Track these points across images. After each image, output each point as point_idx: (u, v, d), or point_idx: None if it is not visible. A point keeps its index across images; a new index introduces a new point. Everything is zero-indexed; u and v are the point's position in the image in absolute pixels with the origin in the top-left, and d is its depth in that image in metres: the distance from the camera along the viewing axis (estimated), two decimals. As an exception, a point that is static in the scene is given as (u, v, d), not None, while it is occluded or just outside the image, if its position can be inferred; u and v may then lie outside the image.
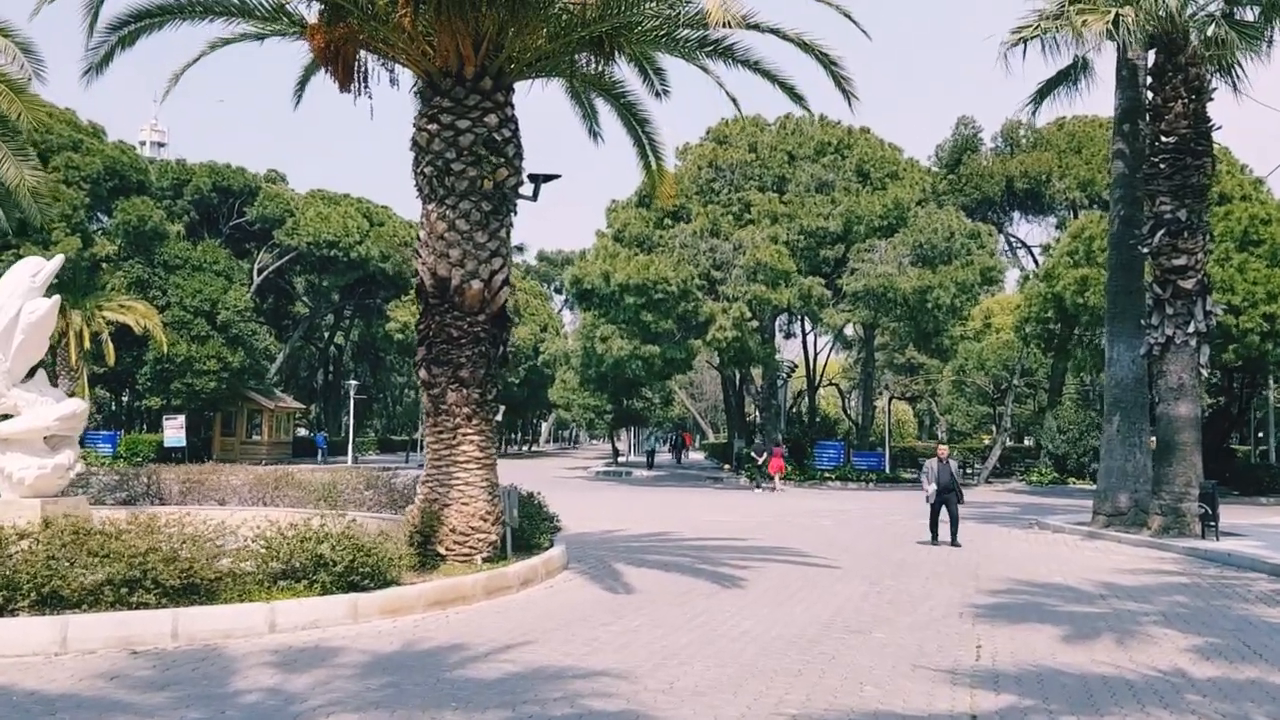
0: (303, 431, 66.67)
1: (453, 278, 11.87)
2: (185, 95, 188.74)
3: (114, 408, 51.47)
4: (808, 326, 50.41)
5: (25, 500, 12.82)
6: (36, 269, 13.58)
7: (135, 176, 42.88)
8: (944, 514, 18.01)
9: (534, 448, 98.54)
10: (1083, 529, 20.66)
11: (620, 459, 61.30)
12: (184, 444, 42.02)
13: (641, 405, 58.42)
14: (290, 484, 19.00)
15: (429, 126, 12.08)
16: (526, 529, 13.47)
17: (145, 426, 47.25)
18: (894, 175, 39.22)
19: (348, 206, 51.25)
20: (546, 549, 13.52)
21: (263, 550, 9.79)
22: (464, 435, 11.98)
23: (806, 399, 50.39)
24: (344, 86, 12.05)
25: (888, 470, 39.68)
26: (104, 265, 43.05)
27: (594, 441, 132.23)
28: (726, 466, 48.61)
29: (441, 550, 11.85)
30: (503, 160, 12.12)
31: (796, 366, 46.95)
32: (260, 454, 45.65)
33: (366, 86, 12.18)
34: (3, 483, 13.17)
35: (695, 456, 70.37)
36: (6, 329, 13.08)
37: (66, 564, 8.61)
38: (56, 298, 13.42)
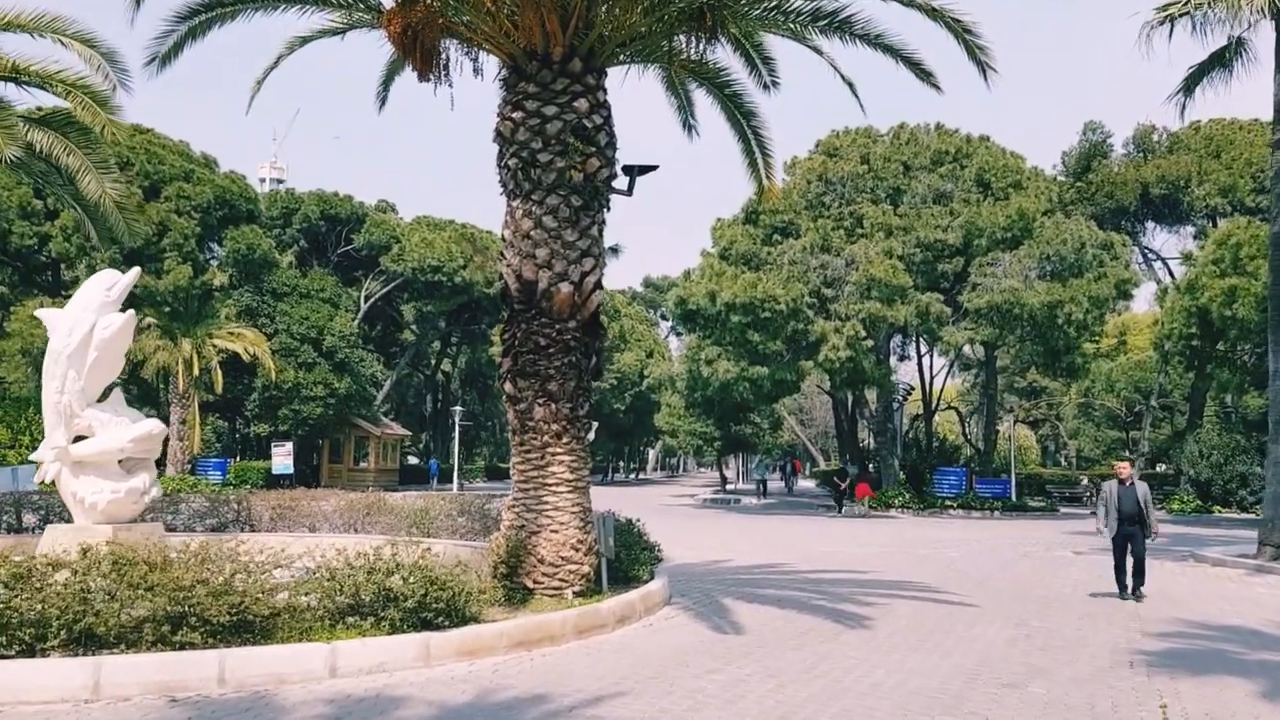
0: (413, 459, 66.92)
1: (540, 280, 10.73)
2: (303, 133, 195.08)
3: (226, 436, 52.13)
4: (923, 348, 48.24)
5: (97, 526, 12.13)
6: (111, 283, 12.94)
7: (245, 206, 43.40)
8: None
9: (640, 475, 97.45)
10: (1248, 562, 18.38)
11: (728, 486, 59.66)
12: (292, 471, 42.06)
13: (749, 431, 56.71)
14: (382, 510, 18.15)
15: (513, 115, 11.01)
16: (624, 560, 12.19)
17: (254, 454, 47.59)
18: (1017, 185, 36.97)
19: (451, 232, 51.17)
20: (646, 582, 12.20)
21: (325, 583, 8.72)
22: (553, 455, 10.78)
23: (923, 424, 48.04)
24: (423, 75, 11.07)
25: (1014, 498, 37.27)
26: (215, 294, 43.63)
27: (701, 469, 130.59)
28: (840, 494, 46.56)
29: (528, 583, 10.64)
30: (593, 149, 10.96)
31: (913, 389, 44.76)
32: (367, 480, 45.50)
33: (447, 75, 11.18)
34: (76, 508, 12.54)
35: (805, 484, 68.20)
36: (80, 346, 12.43)
37: (105, 598, 7.65)
38: (130, 312, 12.72)
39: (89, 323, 12.51)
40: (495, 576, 10.48)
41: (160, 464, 47.13)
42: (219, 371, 40.89)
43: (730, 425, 52.84)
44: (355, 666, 8.18)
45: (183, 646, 7.69)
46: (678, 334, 74.56)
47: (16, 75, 14.30)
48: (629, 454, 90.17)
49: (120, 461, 12.77)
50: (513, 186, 11.04)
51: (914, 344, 47.85)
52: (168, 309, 40.05)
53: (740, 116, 13.93)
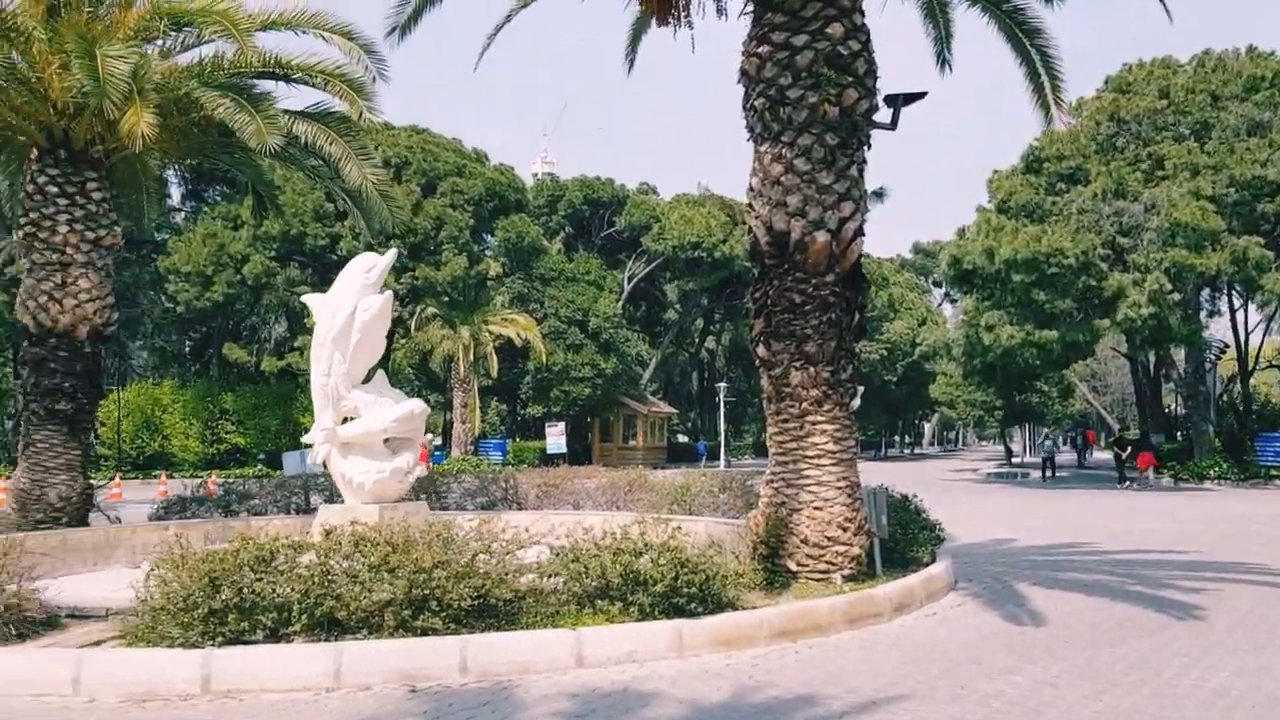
0: (682, 438, 67.37)
1: (792, 230, 9.66)
2: (570, 129, 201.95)
3: (507, 418, 54.32)
4: (1236, 302, 42.90)
5: (364, 506, 12.25)
6: (370, 265, 13.02)
7: (513, 196, 44.78)
8: None
9: (916, 450, 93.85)
10: None
11: (1014, 459, 55.91)
12: (565, 450, 43.10)
13: (1036, 400, 52.78)
14: (643, 487, 17.70)
15: (759, 50, 9.97)
16: (900, 540, 10.93)
17: (531, 434, 49.25)
18: (1351, 107, 31.88)
19: (711, 207, 50.69)
20: (926, 564, 10.89)
21: (570, 565, 8.11)
22: (813, 424, 9.71)
23: (1239, 385, 42.71)
24: (662, 19, 10.33)
25: (1357, 466, 32.31)
26: (489, 282, 45.36)
27: (983, 442, 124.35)
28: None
29: (791, 565, 9.64)
30: (850, 79, 9.74)
31: (1227, 347, 39.86)
32: (635, 458, 45.93)
33: (687, 16, 10.34)
34: (344, 488, 12.73)
35: (1101, 455, 62.94)
36: (343, 329, 12.56)
37: (347, 581, 7.35)
38: (388, 294, 12.75)
39: (350, 305, 12.60)
40: (754, 558, 9.57)
41: (445, 446, 49.83)
42: (494, 356, 42.49)
43: (1014, 394, 49.33)
44: (602, 656, 7.51)
45: (424, 632, 7.27)
46: (951, 300, 70.85)
47: (278, 69, 14.78)
48: (903, 428, 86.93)
49: (386, 442, 12.89)
50: (760, 129, 10.01)
51: (1225, 297, 42.66)
52: (446, 299, 41.98)
53: (1022, 35, 12.21)
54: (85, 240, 14.57)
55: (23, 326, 14.86)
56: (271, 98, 14.09)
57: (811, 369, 9.66)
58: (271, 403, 44.02)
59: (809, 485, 9.69)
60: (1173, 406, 50.12)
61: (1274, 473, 32.02)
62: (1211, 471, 32.71)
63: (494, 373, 42.82)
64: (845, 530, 9.63)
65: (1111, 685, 6.92)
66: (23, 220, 14.58)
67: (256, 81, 14.95)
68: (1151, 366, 44.36)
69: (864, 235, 9.97)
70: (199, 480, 27.89)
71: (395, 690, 6.87)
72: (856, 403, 9.95)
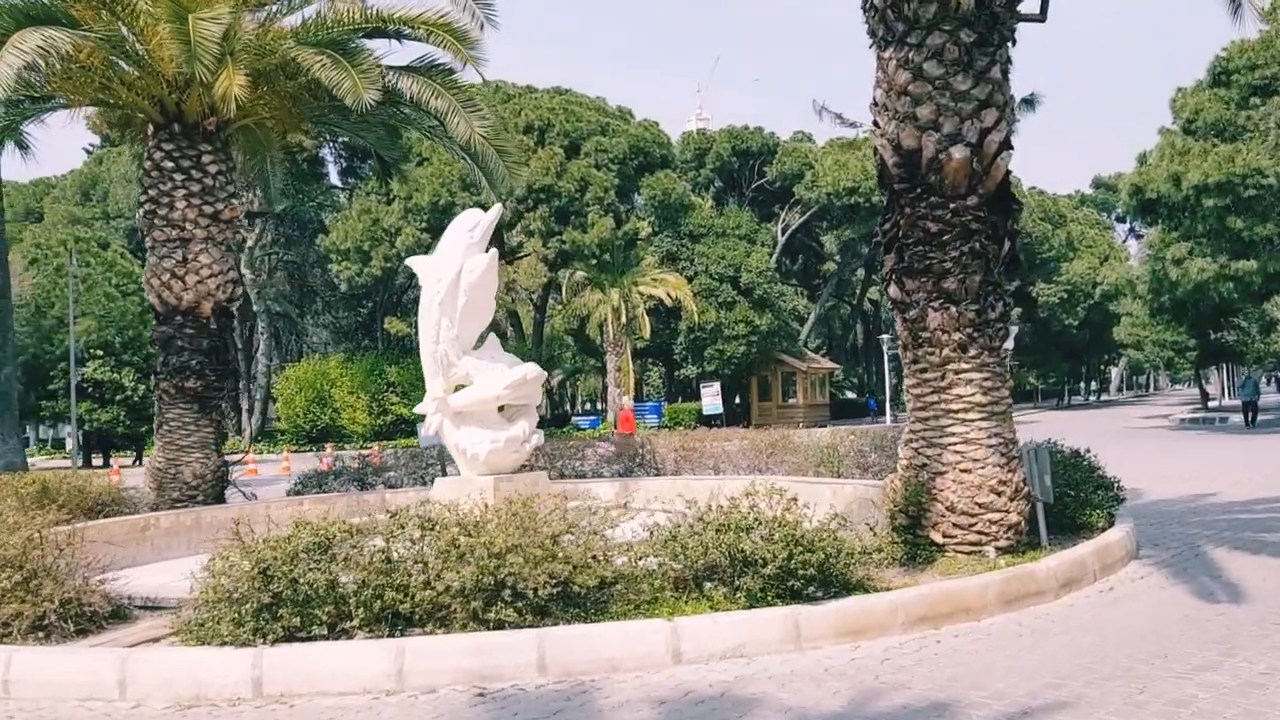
0: (850, 394, 65.27)
1: (924, 147, 8.25)
2: (723, 84, 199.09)
3: (665, 380, 53.74)
4: None
5: (480, 478, 11.62)
6: (473, 223, 12.27)
7: (659, 152, 43.79)
8: None
9: (1103, 397, 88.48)
10: None
11: (1210, 404, 51.55)
12: (721, 410, 42.17)
13: (1233, 338, 48.25)
14: (786, 448, 16.51)
15: (875, -64, 8.56)
16: (1070, 503, 9.42)
17: (686, 396, 48.44)
18: None
19: (867, 149, 48.25)
20: (1101, 530, 9.35)
21: (668, 544, 7.09)
22: (957, 373, 8.33)
23: None
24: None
25: None
26: (638, 242, 44.59)
27: (1176, 386, 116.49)
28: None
29: (936, 537, 8.34)
30: (985, -38, 8.23)
31: None
32: (796, 417, 44.55)
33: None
34: (459, 459, 12.13)
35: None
36: (449, 292, 11.87)
37: (419, 568, 6.55)
38: (493, 252, 11.97)
39: (455, 267, 11.92)
40: (892, 529, 8.31)
41: (601, 410, 49.65)
42: (645, 318, 41.79)
43: (1208, 332, 45.23)
44: (704, 650, 6.48)
45: (497, 626, 6.41)
46: (1136, 236, 65.96)
47: (380, 24, 14.16)
48: (1087, 374, 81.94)
49: (501, 410, 12.20)
50: (882, 32, 8.60)
51: None
52: (594, 261, 41.46)
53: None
54: (204, 215, 14.34)
55: (150, 305, 14.87)
56: (368, 51, 13.47)
57: (952, 309, 8.27)
58: (432, 373, 44.75)
59: (954, 444, 8.33)
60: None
61: None
62: None
63: (646, 334, 42.13)
64: (999, 495, 8.24)
65: (1343, 689, 5.42)
66: (143, 198, 14.50)
67: (359, 39, 14.39)
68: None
69: (1011, 149, 8.46)
70: (337, 452, 28.22)
71: (461, 694, 6.04)
72: (1009, 346, 8.50)
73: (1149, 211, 31.86)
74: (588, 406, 65.20)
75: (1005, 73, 8.45)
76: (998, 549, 8.23)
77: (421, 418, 12.53)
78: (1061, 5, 9.39)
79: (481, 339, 12.60)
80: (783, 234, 52.27)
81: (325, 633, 6.43)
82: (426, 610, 6.46)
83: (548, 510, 7.15)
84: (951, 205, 8.27)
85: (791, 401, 48.74)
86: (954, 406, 8.33)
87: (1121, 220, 72.94)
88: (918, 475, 8.50)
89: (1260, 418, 33.62)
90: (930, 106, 8.21)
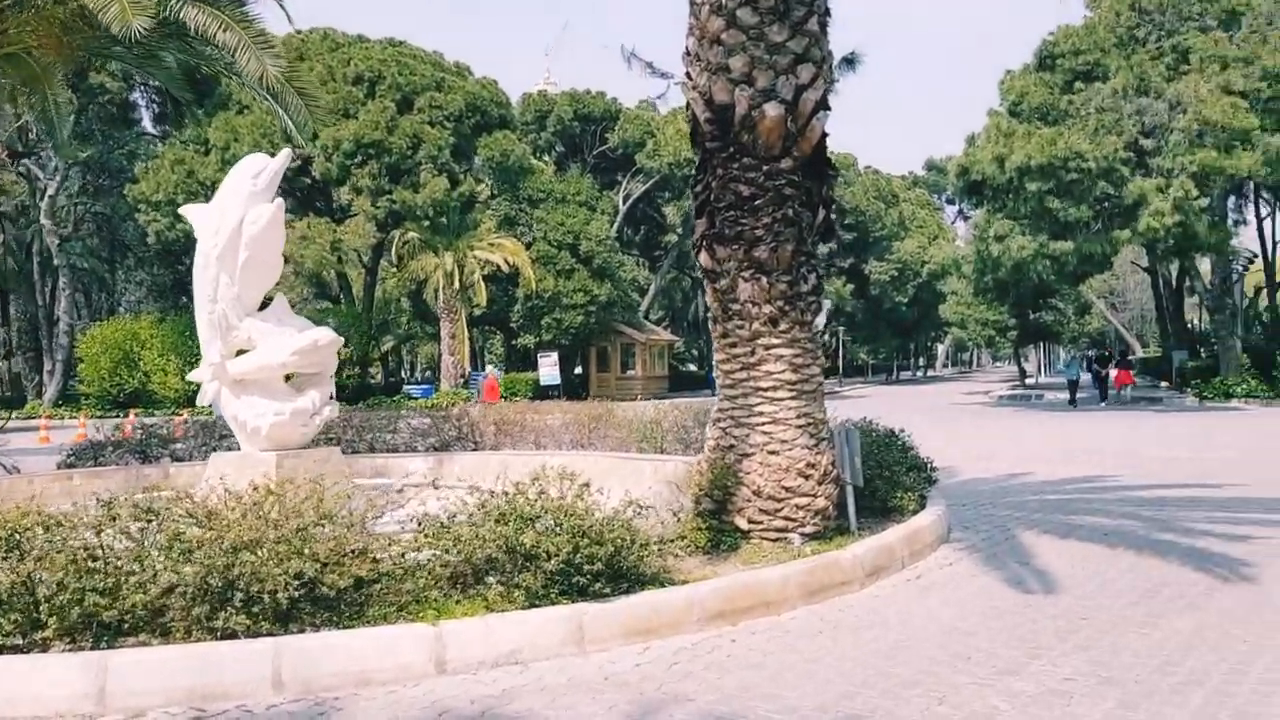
0: (692, 366, 65.44)
1: (736, 103, 7.61)
2: (574, 51, 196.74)
3: (493, 348, 52.59)
4: (1263, 210, 40.53)
5: (262, 454, 10.49)
6: (258, 168, 11.04)
7: (497, 111, 42.35)
8: None
9: (929, 373, 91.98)
10: None
11: (1028, 380, 53.96)
12: (558, 381, 41.42)
13: (1051, 318, 50.61)
14: (610, 423, 15.91)
15: None
16: (880, 486, 9.06)
17: (523, 365, 47.49)
18: (1397, -11, 29.18)
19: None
20: (912, 514, 9.04)
21: (440, 537, 6.28)
22: (767, 348, 7.79)
23: (1266, 298, 40.48)
24: None
25: (1395, 381, 30.29)
26: (476, 205, 43.19)
27: (997, 363, 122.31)
28: (1164, 384, 40.35)
29: (741, 523, 7.80)
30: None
31: (1255, 257, 37.58)
32: (635, 389, 44.22)
33: None
34: (239, 433, 10.95)
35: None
36: (228, 245, 10.65)
37: (134, 565, 5.55)
38: (279, 202, 10.77)
39: (236, 217, 10.70)
40: (698, 514, 7.73)
41: (434, 379, 48.16)
42: (482, 284, 40.54)
43: (1027, 312, 47.21)
44: (473, 658, 5.71)
45: (229, 634, 5.48)
46: (965, 216, 68.30)
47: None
48: (915, 350, 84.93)
49: (289, 379, 11.10)
50: (695, -25, 7.92)
51: (1254, 205, 40.26)
52: (428, 223, 39.89)
53: None
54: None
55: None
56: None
57: (764, 279, 7.70)
58: (252, 337, 42.32)
59: (762, 424, 7.80)
60: (1195, 322, 47.93)
61: (1306, 389, 30.05)
62: (1239, 389, 30.80)
63: (482, 300, 40.90)
64: (807, 478, 7.76)
65: (1146, 695, 5.08)
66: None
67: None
68: (1174, 279, 42.14)
69: (828, 110, 7.92)
70: (146, 419, 26.12)
71: (175, 717, 5.10)
72: (821, 321, 8.01)
73: (975, 193, 32.63)
74: (428, 374, 63.14)
75: (823, 26, 7.88)
76: (804, 536, 7.76)
77: (199, 386, 11.31)
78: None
79: (268, 299, 11.44)
80: (624, 203, 51.70)
81: (20, 643, 5.38)
82: (141, 617, 5.47)
83: (301, 497, 6.23)
84: (765, 168, 7.69)
85: (631, 373, 48.41)
86: (763, 384, 7.79)
87: (951, 202, 75.57)
88: (724, 457, 7.94)
89: (1079, 396, 35.18)
90: (744, 58, 7.58)
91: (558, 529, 6.15)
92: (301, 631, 5.67)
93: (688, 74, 8.07)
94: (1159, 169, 27.80)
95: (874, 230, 59.22)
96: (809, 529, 7.78)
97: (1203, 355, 39.43)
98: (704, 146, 7.96)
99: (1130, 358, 39.49)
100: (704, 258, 8.04)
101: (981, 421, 27.24)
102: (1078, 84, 30.34)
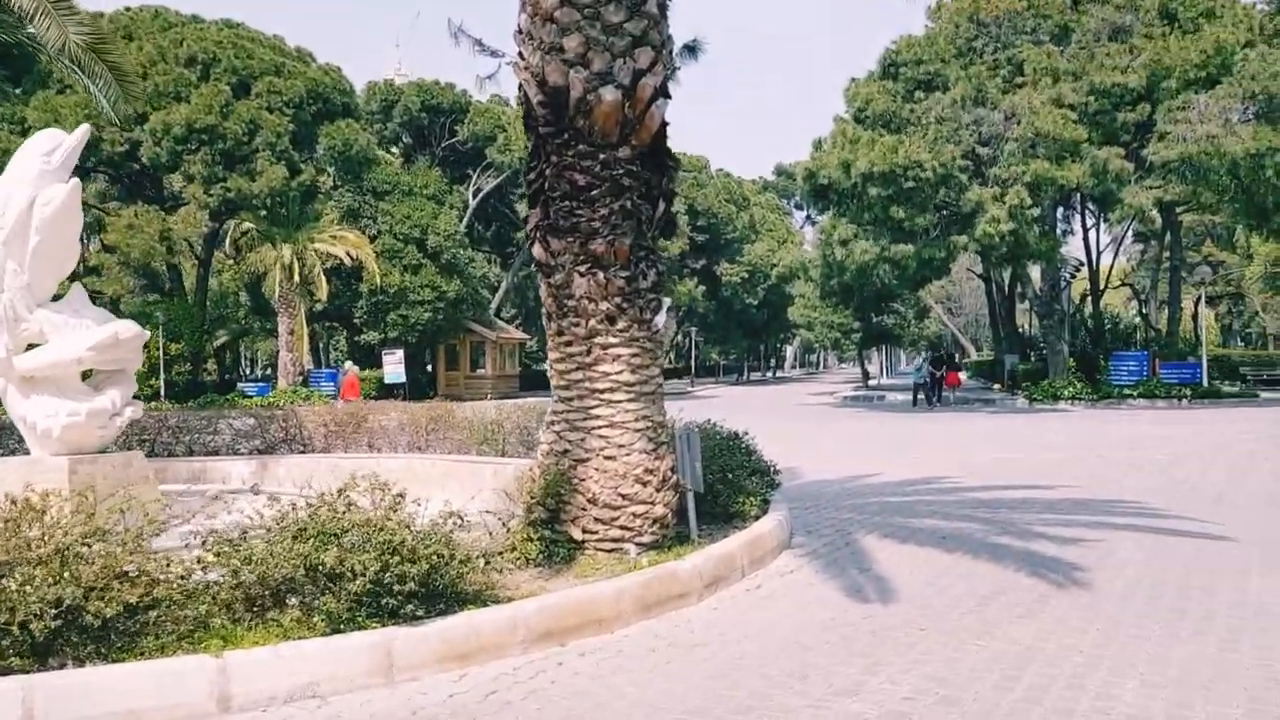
0: (544, 366, 64.72)
1: (572, 86, 7.15)
2: (426, 43, 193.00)
3: (348, 345, 50.76)
4: (1088, 220, 42.64)
5: (52, 459, 9.47)
6: (51, 146, 9.96)
7: (340, 99, 40.75)
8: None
9: (778, 374, 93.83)
10: None
11: (870, 382, 55.49)
12: (404, 379, 40.09)
13: (892, 321, 52.14)
14: (449, 424, 15.22)
15: None
16: (721, 491, 8.76)
17: (367, 363, 45.90)
18: (1209, 14, 31.05)
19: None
20: (754, 519, 8.76)
21: (230, 554, 5.59)
22: (604, 348, 7.35)
23: (1090, 304, 42.67)
24: None
25: (1204, 383, 32.22)
26: (319, 196, 41.46)
27: (843, 365, 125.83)
28: (997, 386, 42.01)
29: (576, 533, 7.34)
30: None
31: (1081, 265, 39.49)
32: (485, 388, 43.33)
33: None
34: (28, 435, 9.87)
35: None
36: (17, 230, 9.58)
37: None
38: (75, 182, 9.73)
39: (25, 198, 9.63)
40: (530, 524, 7.23)
41: (272, 377, 46.08)
42: (323, 278, 38.92)
43: (871, 315, 48.47)
44: (262, 693, 5.07)
45: (-36, 674, 4.69)
46: (812, 221, 69.81)
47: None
48: (765, 351, 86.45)
49: (87, 376, 10.10)
50: (529, -51, 7.41)
51: (1080, 216, 42.33)
52: (265, 213, 38.06)
53: None
54: None
55: None
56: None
57: (601, 274, 7.26)
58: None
59: (599, 428, 7.36)
60: (1026, 327, 50.17)
61: (1127, 392, 31.66)
62: (1066, 392, 32.19)
63: (323, 294, 39.23)
64: (645, 485, 7.36)
65: (985, 714, 4.84)
66: None
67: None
68: (1006, 286, 43.94)
69: (668, 97, 7.54)
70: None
71: (-114, 780, 4.30)
72: (661, 320, 7.63)
73: (821, 197, 33.14)
74: (269, 372, 60.42)
75: (663, 9, 7.50)
76: (641, 546, 7.35)
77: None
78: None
79: (64, 288, 10.39)
80: (474, 198, 50.63)
81: None
82: None
83: (61, 513, 5.44)
84: (602, 156, 7.25)
85: (480, 371, 47.46)
86: (600, 386, 7.35)
87: (800, 207, 77.19)
88: (559, 462, 7.46)
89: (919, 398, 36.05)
90: (579, 38, 7.11)
91: (365, 545, 5.55)
92: (62, 667, 4.92)
93: (520, 54, 7.56)
94: (995, 178, 28.78)
95: (725, 233, 59.81)
96: (647, 538, 7.38)
97: (1033, 359, 41.20)
98: (538, 132, 7.46)
99: (959, 361, 40.99)
100: (538, 250, 7.54)
101: (826, 424, 27.61)
102: (919, 93, 31.16)
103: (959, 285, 69.91)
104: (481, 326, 46.75)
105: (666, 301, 7.73)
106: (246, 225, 38.41)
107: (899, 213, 29.18)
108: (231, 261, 45.49)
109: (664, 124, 7.58)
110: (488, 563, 6.33)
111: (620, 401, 7.34)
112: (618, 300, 7.29)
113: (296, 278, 37.66)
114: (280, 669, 5.16)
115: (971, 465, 15.68)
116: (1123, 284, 52.79)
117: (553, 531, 7.27)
